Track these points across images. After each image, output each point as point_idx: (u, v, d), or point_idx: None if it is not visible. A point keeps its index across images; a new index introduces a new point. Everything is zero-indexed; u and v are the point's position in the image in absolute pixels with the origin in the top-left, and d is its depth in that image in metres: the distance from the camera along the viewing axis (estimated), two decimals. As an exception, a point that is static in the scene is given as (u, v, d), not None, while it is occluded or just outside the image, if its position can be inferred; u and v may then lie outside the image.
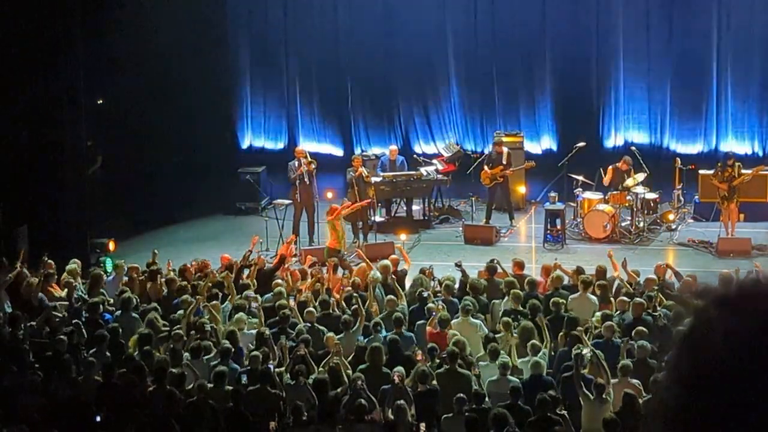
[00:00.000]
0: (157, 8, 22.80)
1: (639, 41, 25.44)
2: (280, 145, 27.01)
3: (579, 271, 16.20)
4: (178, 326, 14.31)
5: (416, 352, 13.51)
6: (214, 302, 15.12)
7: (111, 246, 20.07)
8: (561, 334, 13.86)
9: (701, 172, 22.14)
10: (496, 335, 14.13)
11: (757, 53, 24.89)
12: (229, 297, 15.64)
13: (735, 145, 24.08)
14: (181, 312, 14.70)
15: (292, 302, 15.41)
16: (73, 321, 14.68)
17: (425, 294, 15.54)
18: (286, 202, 21.70)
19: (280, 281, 16.12)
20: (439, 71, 26.37)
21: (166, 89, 23.19)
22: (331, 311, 15.09)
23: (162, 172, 22.47)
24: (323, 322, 14.73)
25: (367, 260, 17.38)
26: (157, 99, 22.87)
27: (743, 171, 20.92)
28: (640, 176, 21.44)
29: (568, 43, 25.63)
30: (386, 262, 16.99)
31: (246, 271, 16.82)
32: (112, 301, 15.74)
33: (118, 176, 21.79)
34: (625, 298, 14.88)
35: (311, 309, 14.82)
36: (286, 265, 17.41)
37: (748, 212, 21.77)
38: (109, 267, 18.33)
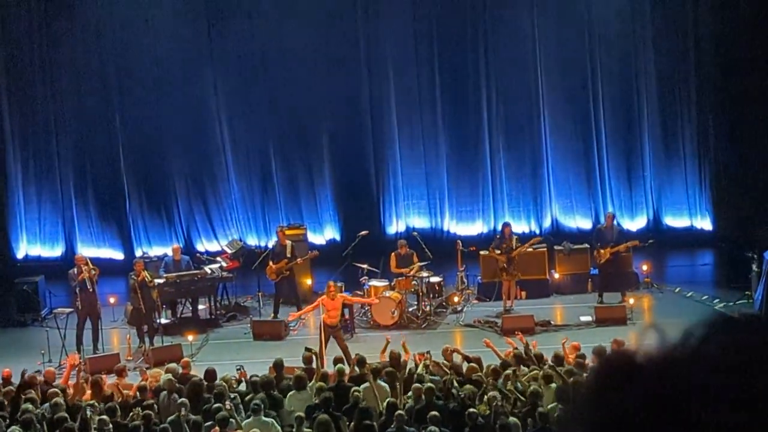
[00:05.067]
0: None
1: (413, 126, 25.96)
2: (58, 252, 26.22)
3: (360, 360, 16.21)
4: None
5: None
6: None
7: None
8: (352, 425, 13.71)
9: (482, 252, 22.63)
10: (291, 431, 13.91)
11: (526, 134, 25.74)
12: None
13: (512, 223, 24.67)
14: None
15: (89, 412, 14.85)
16: None
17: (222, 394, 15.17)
18: (68, 310, 21.06)
19: (56, 391, 15.51)
20: (218, 167, 26.18)
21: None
22: (119, 420, 14.58)
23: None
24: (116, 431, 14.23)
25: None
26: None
27: (519, 243, 21.78)
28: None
29: (344, 131, 25.94)
30: (174, 365, 16.60)
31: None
32: None
33: None
34: (417, 384, 14.86)
35: (104, 417, 14.29)
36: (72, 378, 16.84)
37: (529, 289, 22.37)
38: None
